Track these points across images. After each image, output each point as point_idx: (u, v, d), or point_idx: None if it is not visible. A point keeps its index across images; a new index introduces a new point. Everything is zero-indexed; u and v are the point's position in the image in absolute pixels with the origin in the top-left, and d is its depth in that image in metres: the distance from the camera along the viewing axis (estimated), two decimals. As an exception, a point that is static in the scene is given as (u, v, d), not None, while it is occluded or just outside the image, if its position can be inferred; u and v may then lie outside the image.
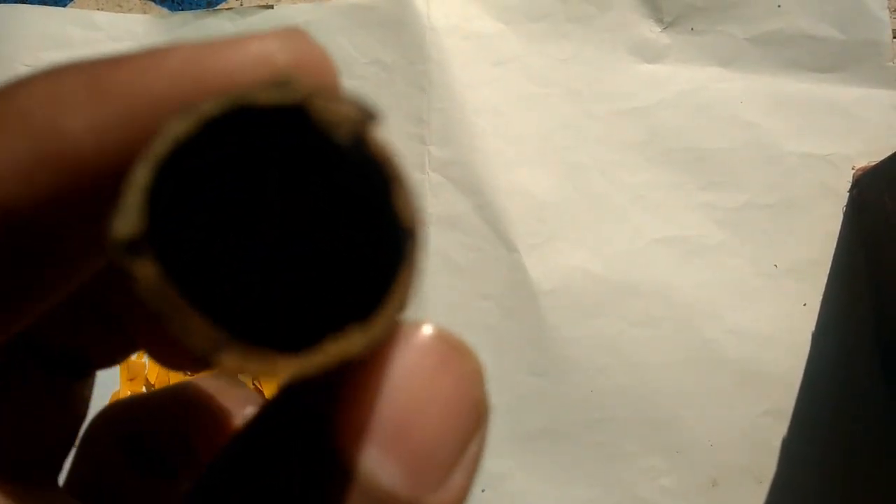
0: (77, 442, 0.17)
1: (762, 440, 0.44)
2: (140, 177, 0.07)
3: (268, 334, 0.07)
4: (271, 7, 0.48)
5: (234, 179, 0.08)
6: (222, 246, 0.09)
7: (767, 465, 0.44)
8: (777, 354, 0.45)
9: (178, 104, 0.09)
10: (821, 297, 0.46)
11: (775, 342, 0.45)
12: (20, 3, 0.48)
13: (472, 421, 0.11)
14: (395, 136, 0.46)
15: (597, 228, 0.46)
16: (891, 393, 0.43)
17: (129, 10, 0.49)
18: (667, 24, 0.48)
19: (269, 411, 0.11)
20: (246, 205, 0.09)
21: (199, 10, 0.48)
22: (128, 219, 0.07)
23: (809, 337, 0.45)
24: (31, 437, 0.15)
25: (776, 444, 0.44)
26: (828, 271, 0.46)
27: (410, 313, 0.09)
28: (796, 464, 0.44)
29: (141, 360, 0.45)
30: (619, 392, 0.44)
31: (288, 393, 0.10)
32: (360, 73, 0.47)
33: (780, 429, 0.44)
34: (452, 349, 0.11)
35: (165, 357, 0.16)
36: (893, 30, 0.47)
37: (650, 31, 0.48)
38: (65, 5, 0.49)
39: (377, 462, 0.10)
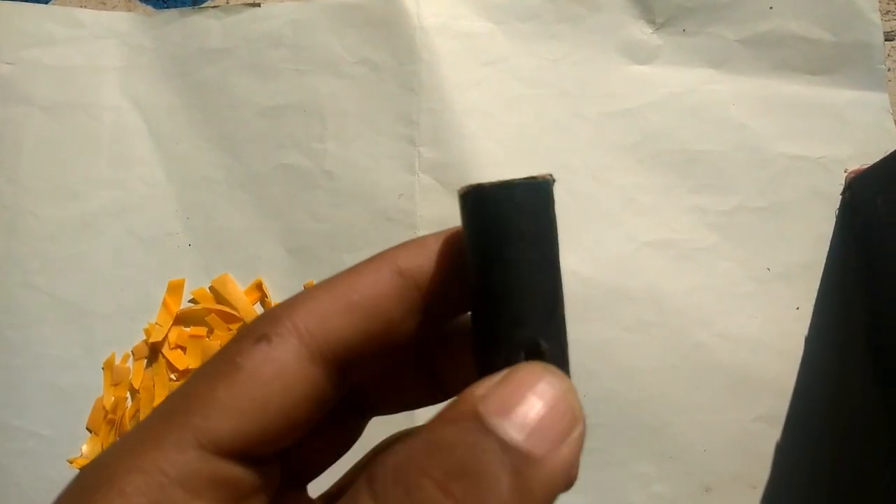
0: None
1: (755, 446, 0.43)
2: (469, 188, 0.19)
3: None
4: (258, 5, 0.47)
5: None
6: None
7: (761, 470, 0.43)
8: (769, 359, 0.44)
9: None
10: (813, 301, 0.45)
11: (768, 347, 0.45)
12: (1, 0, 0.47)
13: (569, 417, 0.17)
14: (384, 137, 0.46)
15: (587, 231, 0.45)
16: (884, 397, 0.43)
17: (114, 8, 0.48)
18: (658, 26, 0.48)
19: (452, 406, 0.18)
20: None
21: (184, 8, 0.48)
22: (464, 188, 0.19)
23: (802, 341, 0.45)
24: (320, 456, 0.23)
25: (769, 449, 0.43)
26: (820, 275, 0.46)
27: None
28: (790, 469, 0.43)
29: (125, 366, 0.44)
30: (611, 397, 0.43)
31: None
32: (348, 73, 0.46)
33: (773, 434, 0.44)
34: (554, 375, 0.18)
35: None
36: (885, 32, 0.47)
37: (641, 32, 0.48)
38: (47, 2, 0.48)
39: (505, 425, 0.16)
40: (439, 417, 0.17)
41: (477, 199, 0.19)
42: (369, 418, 0.24)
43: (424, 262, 0.21)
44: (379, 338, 0.20)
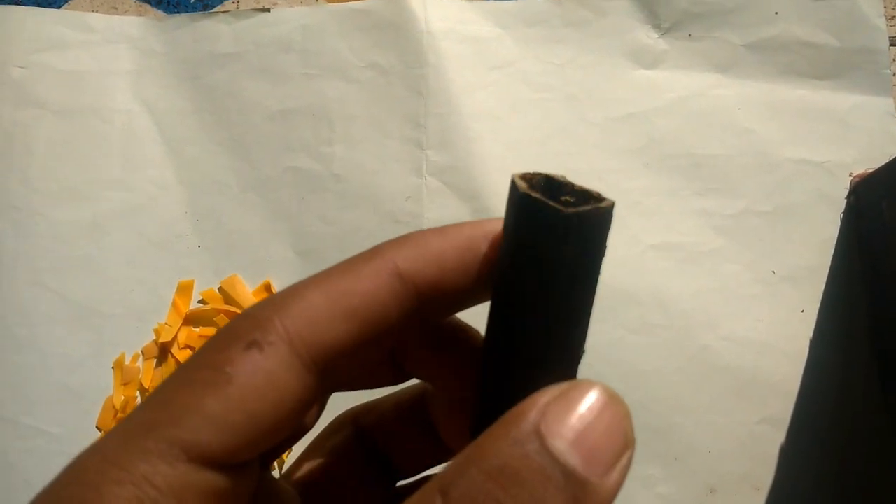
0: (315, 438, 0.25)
1: (760, 448, 0.44)
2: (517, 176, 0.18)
3: None
4: (268, 10, 0.48)
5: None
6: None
7: (765, 472, 0.43)
8: (775, 361, 0.45)
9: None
10: (818, 304, 0.46)
11: (773, 349, 0.45)
12: (14, 3, 0.48)
13: (622, 442, 0.17)
14: (392, 140, 0.46)
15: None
16: (888, 400, 0.43)
17: (125, 13, 0.49)
18: (664, 30, 0.48)
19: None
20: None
21: (194, 13, 0.48)
22: (522, 184, 0.18)
23: (807, 344, 0.45)
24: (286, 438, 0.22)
25: (774, 451, 0.44)
26: (825, 278, 0.46)
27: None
28: (794, 471, 0.43)
29: (135, 366, 0.44)
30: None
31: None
32: (356, 77, 0.47)
33: (777, 436, 0.44)
34: (612, 398, 0.18)
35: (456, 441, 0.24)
36: (890, 37, 0.47)
37: (647, 36, 0.48)
38: (59, 6, 0.48)
39: (567, 451, 0.16)
40: (503, 433, 0.17)
41: (533, 216, 0.18)
42: (330, 395, 0.24)
43: (425, 265, 0.20)
44: (373, 343, 0.20)
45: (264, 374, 0.18)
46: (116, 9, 0.49)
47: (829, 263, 0.46)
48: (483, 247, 0.20)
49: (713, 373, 0.44)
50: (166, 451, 0.17)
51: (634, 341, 0.44)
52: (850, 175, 0.47)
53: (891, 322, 0.43)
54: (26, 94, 0.46)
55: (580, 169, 0.46)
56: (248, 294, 0.44)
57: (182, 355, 0.43)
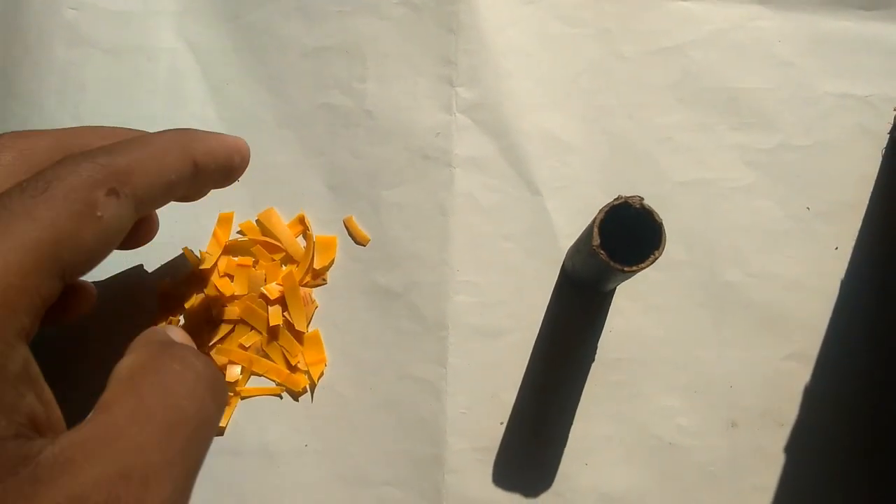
0: None
1: (784, 384, 0.44)
2: (596, 226, 0.32)
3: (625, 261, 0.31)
4: (304, -51, 0.49)
5: (616, 220, 0.32)
6: (615, 237, 0.32)
7: (789, 408, 0.43)
8: (804, 298, 0.44)
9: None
10: (853, 241, 0.45)
11: (803, 286, 0.44)
12: (66, -52, 0.50)
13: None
14: (423, 77, 0.47)
15: (621, 172, 0.45)
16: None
17: (170, -45, 0.50)
18: (703, -40, 0.47)
19: None
20: (619, 226, 0.32)
21: (235, -47, 0.49)
22: (596, 240, 0.31)
23: (839, 282, 0.44)
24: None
25: (799, 388, 0.44)
26: (863, 215, 0.45)
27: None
28: (819, 408, 0.43)
29: (179, 292, 0.47)
30: (636, 333, 0.44)
31: None
32: (389, 14, 0.47)
33: (804, 373, 0.44)
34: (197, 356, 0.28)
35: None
36: (945, -38, 0.45)
37: (687, -33, 0.47)
38: (108, -50, 0.50)
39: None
40: (147, 344, 0.27)
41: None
42: None
43: (210, 161, 0.32)
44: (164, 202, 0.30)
45: (120, 219, 0.26)
46: (162, -49, 0.51)
47: (867, 200, 0.45)
48: (236, 159, 0.35)
49: (737, 308, 0.44)
50: (48, 266, 0.23)
51: (655, 277, 0.44)
52: (895, 109, 0.46)
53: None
54: (78, 34, 0.48)
55: (610, 105, 0.46)
56: (284, 226, 0.46)
57: (221, 283, 0.45)
